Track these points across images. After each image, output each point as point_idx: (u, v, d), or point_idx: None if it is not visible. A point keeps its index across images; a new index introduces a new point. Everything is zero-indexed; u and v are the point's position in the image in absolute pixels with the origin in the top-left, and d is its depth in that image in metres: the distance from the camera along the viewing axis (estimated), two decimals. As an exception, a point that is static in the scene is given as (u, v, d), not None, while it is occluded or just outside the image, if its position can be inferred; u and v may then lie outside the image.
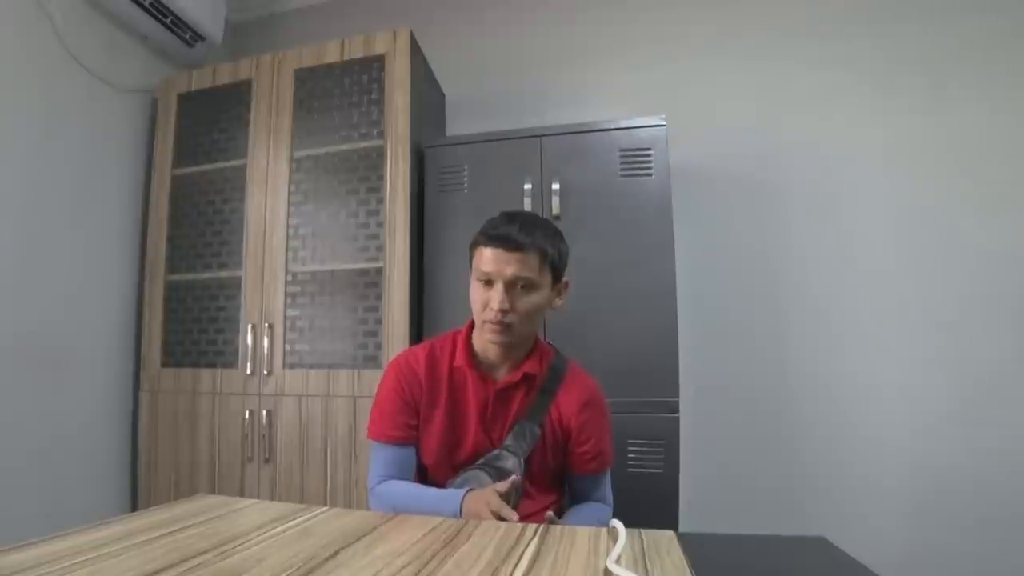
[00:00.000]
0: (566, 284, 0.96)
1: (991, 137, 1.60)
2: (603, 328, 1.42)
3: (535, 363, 0.93)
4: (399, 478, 0.92)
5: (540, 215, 1.46)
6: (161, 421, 1.71)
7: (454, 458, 0.92)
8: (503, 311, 0.85)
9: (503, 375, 0.93)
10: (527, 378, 0.93)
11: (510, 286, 0.86)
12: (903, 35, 1.69)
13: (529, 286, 0.87)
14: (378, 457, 0.93)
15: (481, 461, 0.90)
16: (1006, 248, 1.56)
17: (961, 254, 1.60)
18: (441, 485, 0.92)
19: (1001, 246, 1.57)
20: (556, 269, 0.91)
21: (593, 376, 1.00)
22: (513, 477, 0.81)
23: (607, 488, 0.99)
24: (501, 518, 0.75)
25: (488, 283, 0.87)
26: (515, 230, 0.85)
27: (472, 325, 0.95)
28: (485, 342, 0.91)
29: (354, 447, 1.53)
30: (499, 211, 0.94)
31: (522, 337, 0.91)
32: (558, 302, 0.95)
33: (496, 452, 0.90)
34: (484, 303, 0.87)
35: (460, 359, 0.93)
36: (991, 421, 1.53)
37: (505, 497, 0.80)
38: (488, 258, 0.86)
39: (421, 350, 0.97)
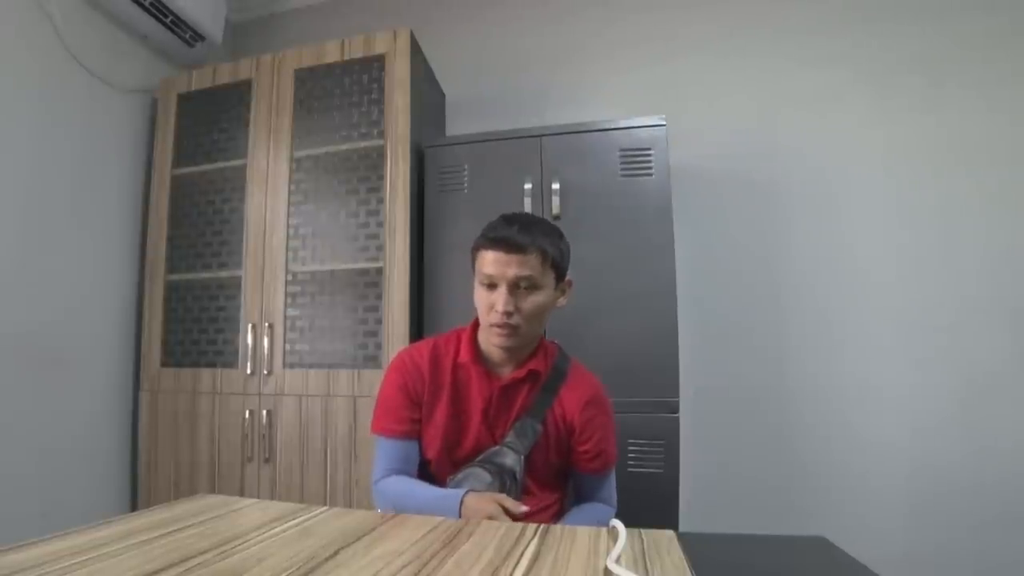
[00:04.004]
0: (569, 283, 0.96)
1: (991, 137, 1.60)
2: (603, 328, 1.42)
3: (540, 361, 0.94)
4: (402, 472, 0.93)
5: (540, 215, 1.47)
6: (161, 421, 1.71)
7: (455, 454, 0.93)
8: (507, 313, 0.85)
9: (508, 372, 0.94)
10: (532, 375, 0.93)
11: (513, 287, 0.86)
12: (902, 34, 1.69)
13: (532, 286, 0.87)
14: (382, 451, 0.94)
15: (481, 458, 0.90)
16: (1006, 248, 1.56)
17: (961, 254, 1.60)
18: (441, 480, 0.92)
19: (1001, 246, 1.57)
20: (558, 268, 0.91)
21: (596, 375, 1.00)
22: (524, 508, 0.81)
23: (611, 488, 0.99)
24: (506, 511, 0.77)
25: (491, 286, 0.88)
26: (515, 231, 0.86)
27: (477, 323, 0.95)
28: (491, 343, 0.92)
29: (354, 447, 1.53)
30: (499, 211, 0.94)
31: (528, 338, 0.91)
32: (562, 301, 0.95)
33: (496, 448, 0.90)
34: (489, 306, 0.87)
35: (465, 355, 0.93)
36: (990, 421, 1.53)
37: (506, 493, 0.82)
38: (490, 261, 0.87)
39: (425, 346, 0.97)
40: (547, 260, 0.88)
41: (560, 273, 0.92)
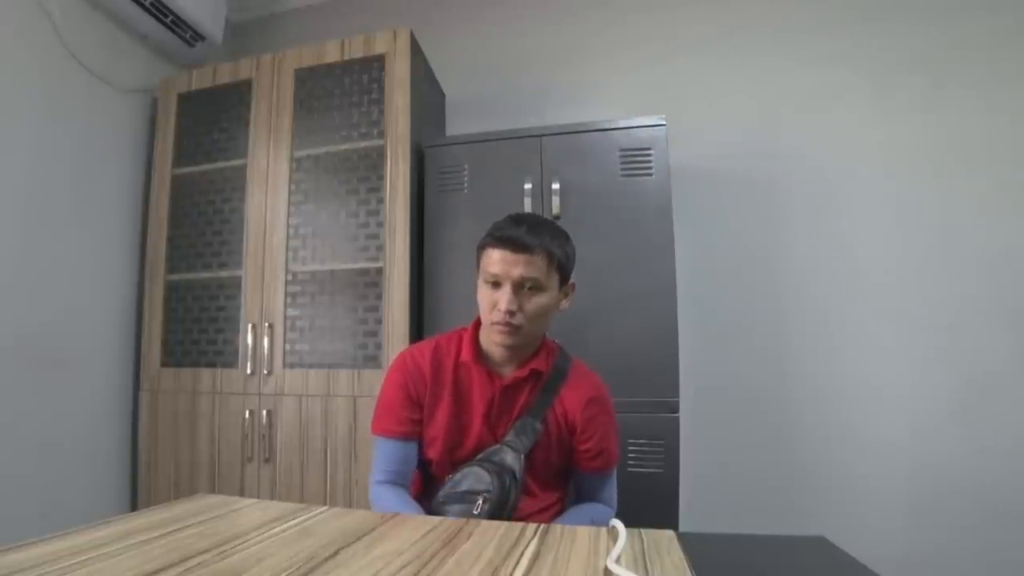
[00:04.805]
0: (572, 285, 0.96)
1: (991, 137, 1.60)
2: (603, 328, 1.42)
3: (542, 360, 0.94)
4: (400, 473, 0.93)
5: (540, 215, 1.47)
6: (161, 421, 1.71)
7: (456, 454, 0.93)
8: (511, 312, 0.85)
9: (509, 372, 0.94)
10: (534, 375, 0.93)
11: (518, 287, 0.86)
12: (903, 34, 1.69)
13: (536, 287, 0.87)
14: (380, 452, 0.94)
15: (480, 456, 0.90)
16: (1006, 248, 1.56)
17: (961, 254, 1.60)
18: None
19: (1001, 246, 1.57)
20: (563, 270, 0.91)
21: (598, 374, 1.00)
22: None
23: (611, 489, 0.98)
24: None
25: (496, 285, 0.88)
26: (522, 232, 0.86)
27: (479, 323, 0.95)
28: (492, 342, 0.92)
29: (354, 447, 1.53)
30: (500, 211, 0.95)
31: (530, 338, 0.91)
32: (565, 304, 0.95)
33: (496, 447, 0.90)
34: (492, 305, 0.87)
35: (466, 355, 0.93)
36: (990, 421, 1.53)
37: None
38: (495, 260, 0.87)
39: (426, 345, 0.97)
40: (553, 262, 0.88)
41: (564, 276, 0.92)
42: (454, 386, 0.94)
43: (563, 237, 0.92)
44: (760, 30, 1.82)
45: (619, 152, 1.47)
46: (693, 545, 0.60)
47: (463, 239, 1.53)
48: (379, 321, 1.56)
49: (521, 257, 0.85)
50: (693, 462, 1.60)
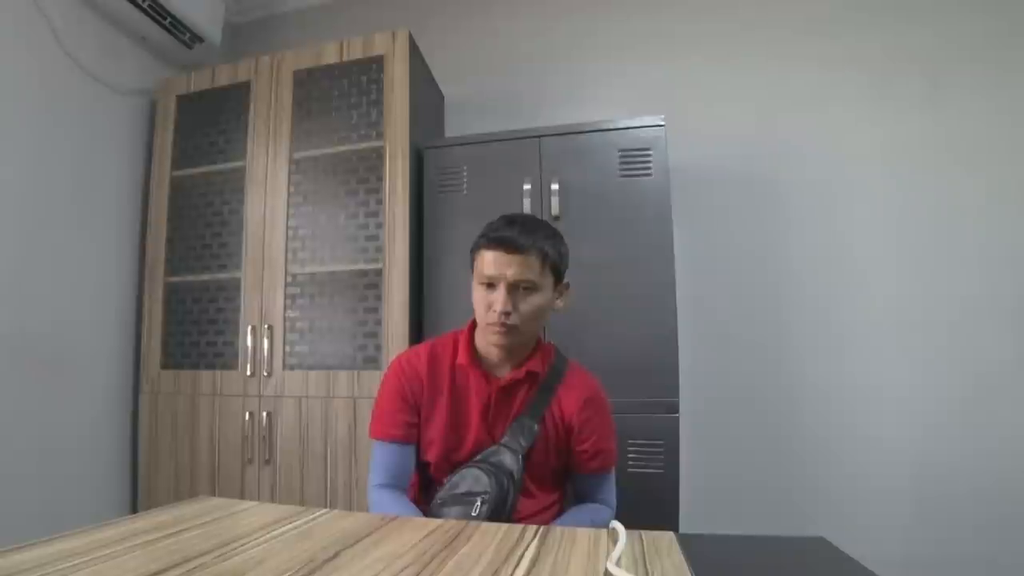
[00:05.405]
0: (567, 285, 0.96)
1: (991, 136, 1.60)
2: (603, 328, 1.42)
3: (538, 362, 0.94)
4: (398, 476, 0.93)
5: (539, 217, 1.47)
6: (161, 423, 1.71)
7: (454, 456, 0.93)
8: (506, 313, 0.85)
9: (506, 373, 0.94)
10: (530, 376, 0.93)
11: (512, 288, 0.87)
12: (903, 34, 1.69)
13: (531, 288, 0.87)
14: (378, 456, 0.94)
15: (478, 458, 0.90)
16: (1006, 248, 1.56)
17: (961, 254, 1.60)
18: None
19: (1001, 246, 1.57)
20: (557, 270, 0.91)
21: (595, 375, 1.00)
22: None
23: (610, 489, 0.98)
24: None
25: (490, 286, 0.88)
26: (516, 232, 0.86)
27: (474, 325, 0.95)
28: (488, 343, 0.92)
29: (354, 448, 1.53)
30: (499, 212, 0.95)
31: (525, 339, 0.92)
32: (559, 303, 0.95)
33: (494, 448, 0.90)
34: (487, 306, 0.88)
35: (463, 357, 0.93)
36: (992, 422, 1.53)
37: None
38: (489, 261, 0.87)
39: (423, 349, 0.98)
40: (546, 262, 0.88)
41: (558, 275, 0.92)
42: (451, 388, 0.94)
43: (556, 237, 0.92)
44: (760, 30, 1.82)
45: (618, 152, 1.47)
46: (693, 546, 0.60)
47: (462, 240, 1.51)
48: (379, 322, 1.56)
49: (515, 258, 0.86)
50: (693, 462, 1.60)
